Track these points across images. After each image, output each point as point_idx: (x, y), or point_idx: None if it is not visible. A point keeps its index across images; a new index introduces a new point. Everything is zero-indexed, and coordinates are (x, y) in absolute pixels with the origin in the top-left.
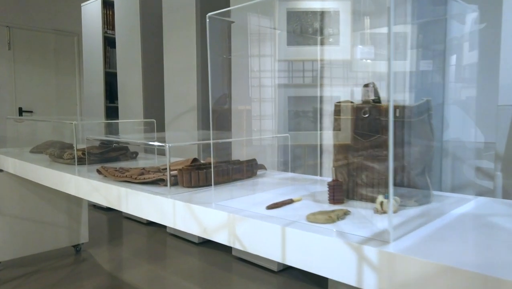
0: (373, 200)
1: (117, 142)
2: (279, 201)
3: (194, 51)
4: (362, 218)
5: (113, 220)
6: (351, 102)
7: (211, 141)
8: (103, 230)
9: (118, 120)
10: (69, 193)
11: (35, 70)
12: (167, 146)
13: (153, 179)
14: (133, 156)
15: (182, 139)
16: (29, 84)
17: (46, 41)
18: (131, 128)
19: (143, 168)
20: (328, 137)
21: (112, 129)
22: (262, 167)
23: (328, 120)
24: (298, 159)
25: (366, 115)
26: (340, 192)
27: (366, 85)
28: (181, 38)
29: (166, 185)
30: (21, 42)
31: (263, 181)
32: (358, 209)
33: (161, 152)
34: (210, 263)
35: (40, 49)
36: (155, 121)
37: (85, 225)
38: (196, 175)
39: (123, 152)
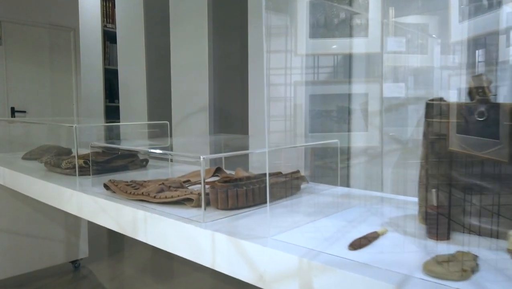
0: (492, 234)
1: (134, 151)
2: (362, 236)
3: (205, 45)
4: (497, 266)
5: (114, 231)
6: (444, 100)
7: (267, 149)
8: (103, 243)
9: (119, 121)
10: (70, 212)
11: (28, 67)
12: (202, 159)
13: (178, 199)
14: (143, 164)
15: (202, 146)
16: (22, 82)
17: (40, 36)
18: (134, 130)
19: (162, 183)
20: (367, 140)
21: (112, 134)
22: (303, 179)
23: (357, 121)
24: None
25: (482, 118)
26: (444, 223)
27: (478, 76)
28: (191, 30)
29: (195, 206)
30: (13, 37)
31: (314, 200)
32: (481, 250)
33: (176, 159)
34: (226, 282)
35: (33, 45)
36: (168, 123)
37: (84, 238)
38: (234, 194)
39: (131, 159)
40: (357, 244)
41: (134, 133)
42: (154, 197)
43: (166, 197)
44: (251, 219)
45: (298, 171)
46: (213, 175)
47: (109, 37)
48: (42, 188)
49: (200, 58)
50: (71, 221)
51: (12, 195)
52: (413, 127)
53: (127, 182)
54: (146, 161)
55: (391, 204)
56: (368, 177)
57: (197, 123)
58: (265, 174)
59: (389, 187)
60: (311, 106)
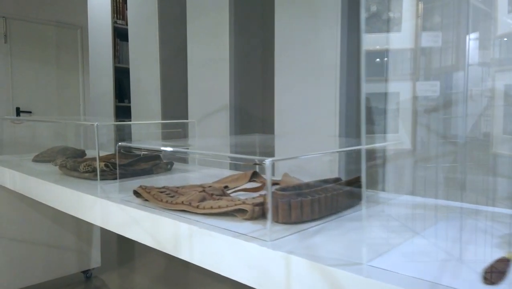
0: None
1: (181, 152)
2: (495, 263)
3: (226, 39)
4: None
5: (126, 238)
6: None
7: (363, 147)
8: (116, 251)
9: (130, 121)
10: (93, 222)
11: (34, 66)
12: (268, 162)
13: (228, 210)
14: (168, 167)
15: (248, 147)
16: (28, 81)
17: (47, 34)
18: (150, 131)
19: (203, 190)
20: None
21: (124, 133)
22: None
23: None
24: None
25: None
26: None
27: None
28: (210, 24)
29: (248, 219)
30: (19, 34)
31: (389, 212)
32: None
33: (204, 161)
34: None
35: (39, 43)
36: (195, 121)
37: (97, 247)
38: (298, 204)
39: (156, 162)
40: (495, 274)
41: (150, 133)
42: (197, 207)
43: (212, 208)
44: (325, 236)
45: (359, 178)
46: (250, 180)
47: (119, 34)
48: (59, 194)
49: (221, 53)
50: (83, 228)
51: (20, 200)
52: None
53: (160, 188)
54: (171, 164)
55: (485, 217)
56: (429, 182)
57: (217, 123)
58: (325, 181)
59: (456, 194)
60: (346, 106)
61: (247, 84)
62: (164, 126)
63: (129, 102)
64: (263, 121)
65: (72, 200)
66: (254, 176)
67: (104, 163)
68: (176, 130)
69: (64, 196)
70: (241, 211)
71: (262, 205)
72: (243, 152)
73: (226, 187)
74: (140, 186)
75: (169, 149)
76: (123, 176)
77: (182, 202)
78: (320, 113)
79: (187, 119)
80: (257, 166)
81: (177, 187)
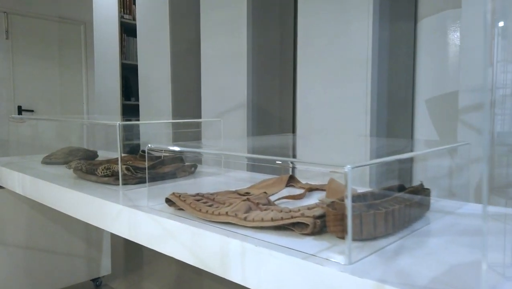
0: None
1: (255, 158)
2: None
3: (243, 33)
4: None
5: (138, 244)
6: None
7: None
8: (127, 257)
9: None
10: (120, 235)
11: (36, 63)
12: (348, 170)
13: (284, 222)
14: (192, 170)
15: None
16: (30, 79)
17: (49, 30)
18: (155, 130)
19: (247, 198)
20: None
21: (132, 134)
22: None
23: (425, 122)
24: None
25: None
26: None
27: None
28: (226, 17)
29: (308, 234)
30: (21, 30)
31: (473, 226)
32: None
33: (226, 163)
34: None
35: (42, 39)
36: (221, 120)
37: (107, 253)
38: (371, 218)
39: (179, 165)
40: None
41: (161, 133)
42: (245, 218)
43: (263, 220)
44: (411, 257)
45: (422, 184)
46: (287, 186)
47: (126, 29)
48: (77, 201)
49: (238, 48)
50: (93, 234)
51: (27, 204)
52: None
53: (194, 195)
54: (195, 166)
55: None
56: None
57: (234, 122)
58: (389, 188)
59: None
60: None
61: (265, 80)
62: (176, 125)
63: (136, 100)
64: (281, 120)
65: (93, 208)
66: (291, 180)
67: (125, 166)
68: (191, 130)
69: (83, 203)
70: (299, 225)
71: (323, 217)
72: (282, 154)
73: (264, 193)
74: (173, 194)
75: (213, 152)
76: (145, 180)
77: (227, 213)
78: (348, 111)
79: (200, 118)
80: (335, 173)
81: (212, 194)
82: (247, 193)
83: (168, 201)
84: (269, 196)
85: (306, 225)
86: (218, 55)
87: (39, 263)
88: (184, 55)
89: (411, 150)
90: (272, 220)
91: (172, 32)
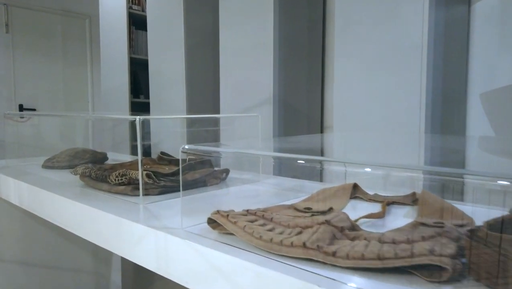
0: None
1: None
2: None
3: (270, 21)
4: None
5: None
6: None
7: None
8: (139, 272)
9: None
10: (143, 265)
11: (38, 59)
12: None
13: (403, 265)
14: (223, 176)
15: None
16: (31, 76)
17: (52, 23)
18: (166, 128)
19: (325, 221)
20: None
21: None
22: None
23: (479, 117)
24: None
25: None
26: None
27: None
28: (249, 4)
29: (445, 281)
30: (22, 24)
31: None
32: None
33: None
34: None
35: (44, 34)
36: (259, 116)
37: (117, 268)
38: None
39: (210, 170)
40: None
41: (175, 132)
42: (334, 254)
43: (364, 257)
44: None
45: None
46: (351, 197)
47: (134, 22)
48: (85, 217)
49: (263, 39)
50: (101, 248)
51: (26, 213)
52: None
53: (243, 213)
54: (227, 172)
55: None
56: None
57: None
58: None
59: None
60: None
61: (292, 73)
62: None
63: (145, 97)
64: (309, 117)
65: (106, 228)
66: (355, 190)
67: (145, 172)
68: (210, 129)
69: (93, 220)
70: (425, 267)
71: (461, 255)
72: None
73: (331, 209)
74: (218, 212)
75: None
76: (169, 189)
77: (304, 244)
78: (397, 105)
79: (220, 114)
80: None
81: (264, 211)
82: (308, 209)
83: (211, 221)
84: (333, 210)
85: (440, 268)
86: (238, 46)
87: (41, 281)
88: (200, 48)
89: None
90: (379, 258)
91: (186, 23)
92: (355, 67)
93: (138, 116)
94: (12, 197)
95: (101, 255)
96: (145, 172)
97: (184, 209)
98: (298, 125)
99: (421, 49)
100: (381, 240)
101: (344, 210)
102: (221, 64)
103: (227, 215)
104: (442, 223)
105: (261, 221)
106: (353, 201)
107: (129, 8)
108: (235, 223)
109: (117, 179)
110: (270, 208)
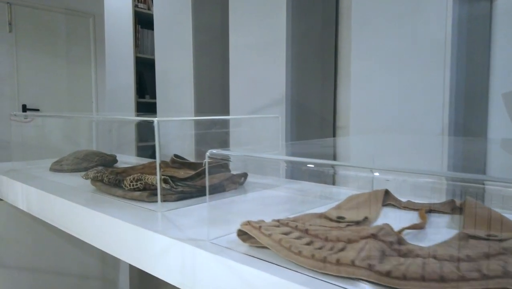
0: None
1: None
2: None
3: (282, 17)
4: None
5: None
6: None
7: None
8: (147, 277)
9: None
10: (167, 281)
11: (41, 58)
12: None
13: (482, 287)
14: (241, 181)
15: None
16: (35, 75)
17: (56, 22)
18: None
19: (372, 234)
20: None
21: (147, 134)
22: None
23: (501, 118)
24: None
25: None
26: None
27: None
28: (260, 2)
29: None
30: (25, 22)
31: None
32: None
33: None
34: None
35: (48, 33)
36: (279, 117)
37: (125, 273)
38: None
39: (228, 174)
40: None
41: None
42: (389, 274)
43: (423, 279)
44: None
45: None
46: (384, 204)
47: (140, 20)
48: (100, 225)
49: (275, 35)
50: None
51: (32, 218)
52: None
53: (277, 225)
54: (245, 176)
55: None
56: None
57: (269, 120)
58: None
59: None
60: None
61: (305, 73)
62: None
63: (151, 97)
64: (322, 118)
65: (124, 238)
66: (387, 197)
67: (163, 177)
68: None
69: (109, 229)
70: None
71: None
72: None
73: (366, 218)
74: (249, 223)
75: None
76: (186, 195)
77: (353, 262)
78: (418, 105)
79: (229, 115)
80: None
81: (294, 220)
82: (341, 218)
83: (241, 233)
84: (368, 221)
85: None
86: (250, 44)
87: (47, 287)
88: (208, 46)
89: None
90: (443, 280)
91: (195, 20)
92: (373, 65)
93: (156, 118)
94: (20, 202)
95: (109, 260)
96: (162, 177)
97: (203, 217)
98: (310, 126)
99: (444, 46)
100: (436, 257)
101: (380, 220)
102: (231, 63)
103: (259, 227)
104: (496, 235)
105: (296, 233)
106: (385, 209)
107: (135, 6)
108: (269, 236)
109: (131, 184)
110: (300, 218)
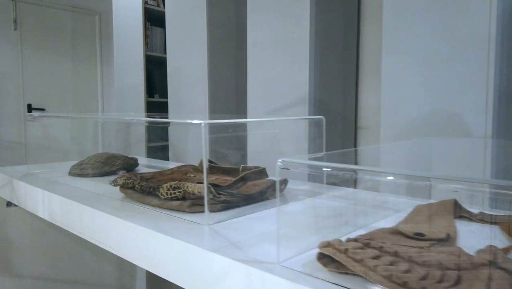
0: None
1: None
2: None
3: (306, 15)
4: None
5: None
6: None
7: None
8: (164, 285)
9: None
10: None
11: (47, 56)
12: None
13: None
14: (282, 187)
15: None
16: (40, 74)
17: (61, 20)
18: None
19: (459, 253)
20: None
21: (157, 134)
22: None
23: None
24: None
25: None
26: None
27: None
28: None
29: None
30: (30, 20)
31: None
32: None
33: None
34: None
35: (53, 31)
36: (323, 118)
37: (142, 281)
38: None
39: (270, 181)
40: None
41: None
42: None
43: None
44: None
45: None
46: (456, 217)
47: (150, 18)
48: (141, 239)
49: (298, 32)
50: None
51: (46, 223)
52: None
53: (358, 244)
54: (285, 183)
55: None
56: None
57: (290, 121)
58: None
59: None
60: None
61: (328, 71)
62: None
63: (161, 97)
64: (344, 119)
65: (174, 256)
66: (456, 208)
67: (211, 184)
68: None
69: (153, 246)
70: None
71: None
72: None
73: (448, 235)
74: (329, 244)
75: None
76: (231, 205)
77: None
78: (457, 105)
79: (247, 115)
80: None
81: (371, 239)
82: (419, 234)
83: (321, 256)
84: (448, 239)
85: None
86: (269, 41)
87: None
88: (224, 44)
89: None
90: None
91: (209, 16)
92: (407, 63)
93: (203, 120)
94: (40, 210)
95: (126, 267)
96: (202, 185)
97: (257, 231)
98: (332, 126)
99: (488, 42)
100: None
101: (461, 236)
102: (249, 61)
103: (346, 250)
104: None
105: (388, 258)
106: (458, 222)
107: (145, 3)
108: (361, 261)
109: (169, 192)
110: (374, 235)
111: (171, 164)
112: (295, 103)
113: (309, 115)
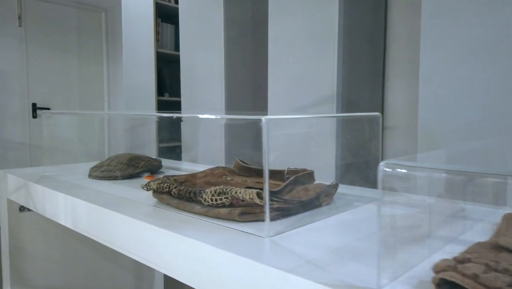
0: None
1: None
2: None
3: (335, 7)
4: None
5: None
6: None
7: None
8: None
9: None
10: None
11: (52, 53)
12: None
13: None
14: (333, 191)
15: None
16: (45, 72)
17: (67, 17)
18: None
19: None
20: None
21: (167, 133)
22: None
23: None
24: None
25: None
26: None
27: None
28: None
29: None
30: (35, 17)
31: None
32: None
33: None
34: None
35: (58, 27)
36: (380, 115)
37: (160, 285)
38: None
39: (322, 186)
40: None
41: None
42: None
43: None
44: None
45: None
46: None
47: (161, 13)
48: (187, 252)
49: (325, 27)
50: (143, 266)
51: (61, 229)
52: None
53: (478, 266)
54: (336, 187)
55: None
56: None
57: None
58: None
59: None
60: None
61: (355, 67)
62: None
63: (171, 95)
64: (370, 117)
65: (237, 276)
66: None
67: (256, 191)
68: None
69: (207, 262)
70: None
71: None
72: None
73: None
74: (449, 266)
75: None
76: (285, 213)
77: None
78: (503, 103)
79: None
80: None
81: (468, 258)
82: None
83: (442, 281)
84: None
85: None
86: (292, 36)
87: None
88: (241, 40)
89: None
90: None
91: (226, 12)
92: (448, 58)
93: (264, 116)
94: (62, 217)
95: (144, 276)
96: (255, 191)
97: (328, 244)
98: (360, 126)
99: None
100: None
101: None
102: (270, 58)
103: (476, 275)
104: None
105: (509, 278)
106: None
107: None
108: None
109: (213, 198)
110: (472, 249)
111: (194, 166)
112: (321, 101)
113: (337, 113)
